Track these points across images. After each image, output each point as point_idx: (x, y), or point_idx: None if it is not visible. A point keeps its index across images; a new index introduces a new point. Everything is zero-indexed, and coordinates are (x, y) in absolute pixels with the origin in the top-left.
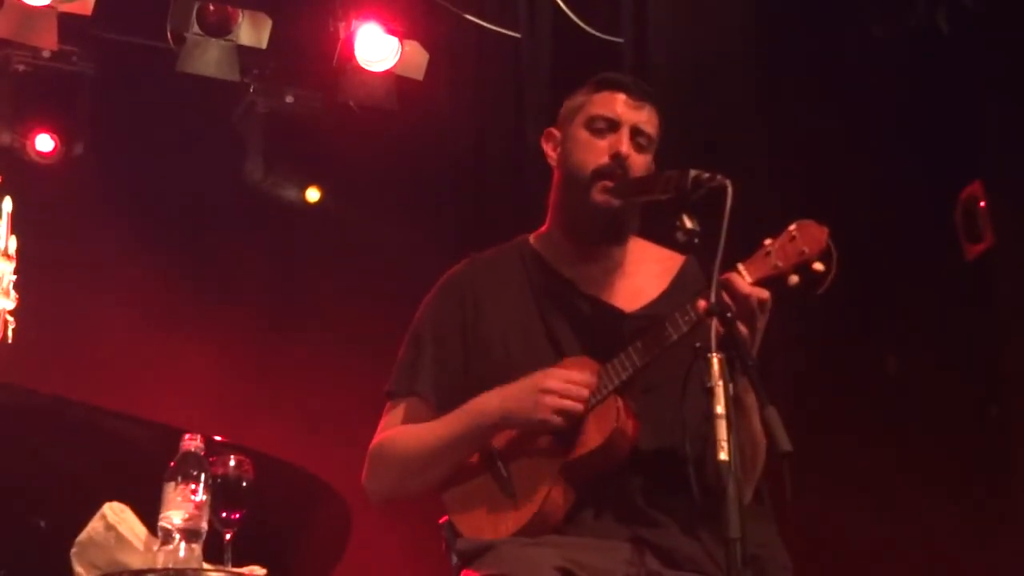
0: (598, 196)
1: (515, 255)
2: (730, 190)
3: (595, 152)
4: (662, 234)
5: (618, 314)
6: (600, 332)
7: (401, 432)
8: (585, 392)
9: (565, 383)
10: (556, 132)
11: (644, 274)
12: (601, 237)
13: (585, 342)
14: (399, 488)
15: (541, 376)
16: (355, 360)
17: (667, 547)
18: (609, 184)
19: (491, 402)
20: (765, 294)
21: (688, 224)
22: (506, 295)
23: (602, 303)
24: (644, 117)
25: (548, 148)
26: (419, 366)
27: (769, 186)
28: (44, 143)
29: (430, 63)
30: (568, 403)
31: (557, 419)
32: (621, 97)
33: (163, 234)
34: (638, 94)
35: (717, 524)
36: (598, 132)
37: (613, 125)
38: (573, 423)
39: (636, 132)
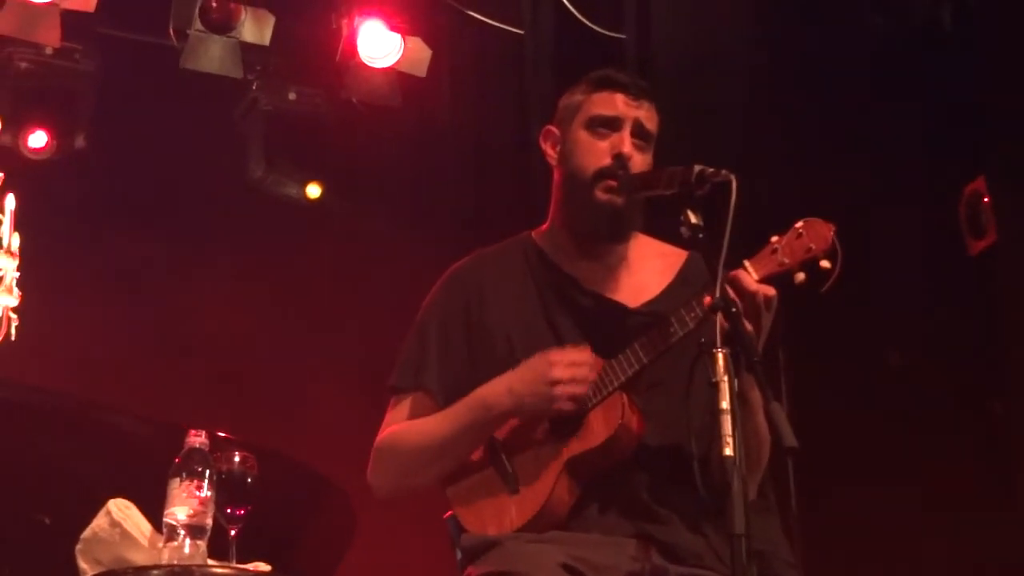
0: (602, 196)
1: (519, 251)
2: (735, 185)
3: (596, 153)
4: (665, 230)
5: (621, 310)
6: (603, 328)
7: (407, 427)
8: (589, 372)
9: (571, 370)
10: (555, 131)
11: (647, 270)
12: (605, 235)
13: (588, 338)
14: (405, 483)
15: (544, 365)
16: (355, 356)
17: (672, 543)
18: (613, 184)
19: (497, 394)
20: (771, 291)
21: (693, 219)
22: (510, 290)
23: (605, 299)
24: (644, 114)
25: (547, 147)
26: (424, 361)
27: (772, 182)
28: (37, 139)
29: (433, 60)
30: (578, 388)
31: (570, 405)
32: (620, 96)
33: (166, 231)
34: (636, 92)
35: (722, 520)
36: (598, 133)
37: (614, 125)
38: (582, 407)
39: (636, 130)
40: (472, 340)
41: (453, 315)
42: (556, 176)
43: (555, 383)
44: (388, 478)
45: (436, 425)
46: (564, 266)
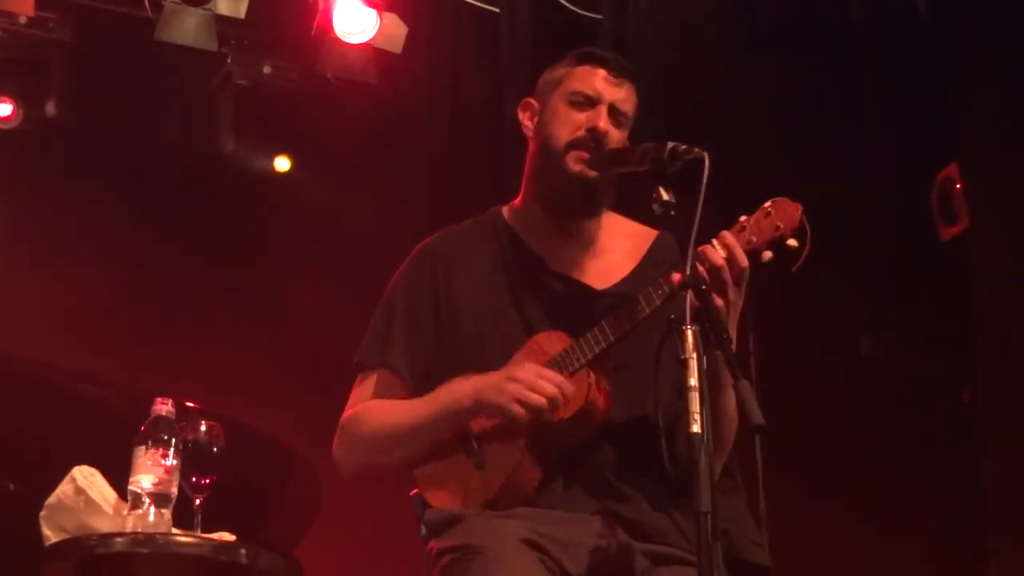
0: (574, 166)
1: (488, 228)
2: (707, 162)
3: (572, 124)
4: (637, 210)
5: (589, 292)
6: (570, 310)
7: (374, 407)
8: (553, 389)
9: (536, 376)
10: (534, 102)
11: (616, 251)
12: (575, 208)
13: (555, 319)
14: (370, 463)
15: (515, 366)
16: (324, 331)
17: (637, 520)
18: (584, 155)
19: (465, 389)
20: (744, 263)
21: (665, 196)
22: (478, 269)
23: (573, 281)
24: (623, 95)
25: (524, 118)
26: (391, 338)
27: (747, 163)
28: (3, 109)
29: (408, 36)
30: (532, 396)
31: (518, 408)
32: (602, 73)
33: (137, 202)
34: (618, 71)
35: (687, 498)
36: (577, 105)
37: (592, 101)
38: (536, 417)
39: (614, 110)
40: (440, 319)
41: (421, 293)
42: (530, 147)
43: (512, 379)
44: (354, 456)
45: (404, 411)
46: (533, 245)
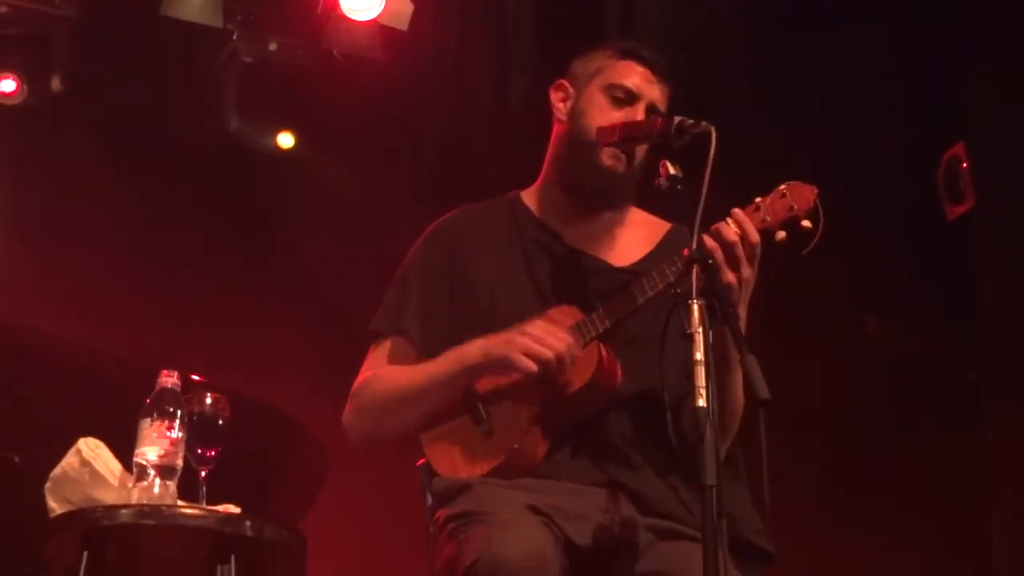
0: (606, 160)
1: (505, 208)
2: (714, 136)
3: (609, 118)
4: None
5: (603, 267)
6: (585, 285)
7: (384, 372)
8: (561, 345)
9: (544, 331)
10: (568, 86)
11: (632, 237)
12: (599, 198)
13: (570, 294)
14: (379, 428)
15: (526, 323)
16: (329, 305)
17: (641, 491)
18: (618, 152)
19: (473, 345)
20: (756, 239)
21: (671, 170)
22: (494, 245)
23: (588, 256)
24: (659, 96)
25: (556, 99)
26: (405, 306)
27: (755, 145)
28: (6, 85)
29: (415, 13)
30: (539, 348)
31: (526, 361)
32: (645, 71)
33: (141, 178)
34: (659, 71)
35: (693, 474)
36: (616, 100)
37: (632, 98)
38: (544, 372)
39: (652, 109)
40: (454, 290)
41: (435, 265)
42: (558, 129)
43: (522, 334)
44: (363, 421)
45: (413, 371)
46: (550, 223)
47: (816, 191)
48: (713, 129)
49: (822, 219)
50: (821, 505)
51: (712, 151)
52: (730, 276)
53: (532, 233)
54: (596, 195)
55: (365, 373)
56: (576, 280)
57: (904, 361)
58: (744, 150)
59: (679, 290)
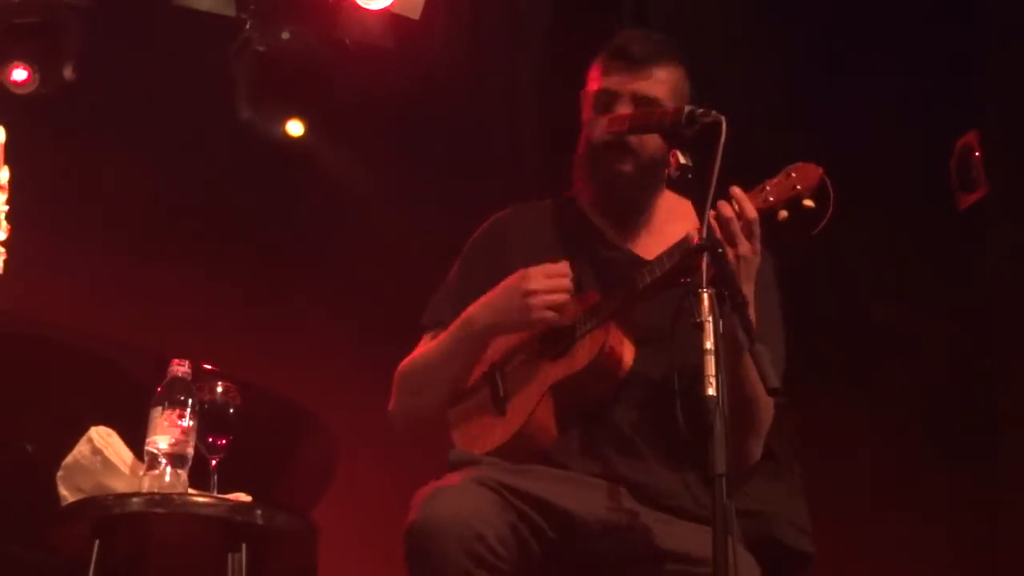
0: (609, 168)
1: (554, 207)
2: (724, 126)
3: (598, 128)
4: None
5: (637, 260)
6: (618, 276)
7: (412, 356)
8: (564, 281)
9: (546, 278)
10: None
11: (673, 232)
12: (622, 200)
13: (604, 285)
14: (410, 408)
15: (520, 279)
16: (341, 293)
17: (647, 484)
18: (619, 155)
19: (478, 309)
20: (751, 214)
21: (681, 160)
22: (537, 241)
23: (625, 251)
24: (644, 84)
25: (583, 109)
26: (445, 300)
27: (767, 133)
28: (18, 73)
29: (427, 2)
30: (556, 297)
31: (550, 314)
32: (622, 64)
33: (153, 167)
34: (640, 59)
35: (703, 464)
36: (601, 107)
37: (612, 97)
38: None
39: (638, 99)
40: (495, 283)
41: (479, 258)
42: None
43: (530, 294)
44: (398, 405)
45: (433, 346)
46: (593, 220)
47: (821, 171)
48: (723, 118)
49: (832, 199)
50: (825, 497)
51: (722, 140)
52: (728, 253)
53: (573, 229)
54: (618, 198)
55: (400, 366)
56: (612, 275)
57: (913, 350)
58: (756, 138)
59: (689, 279)
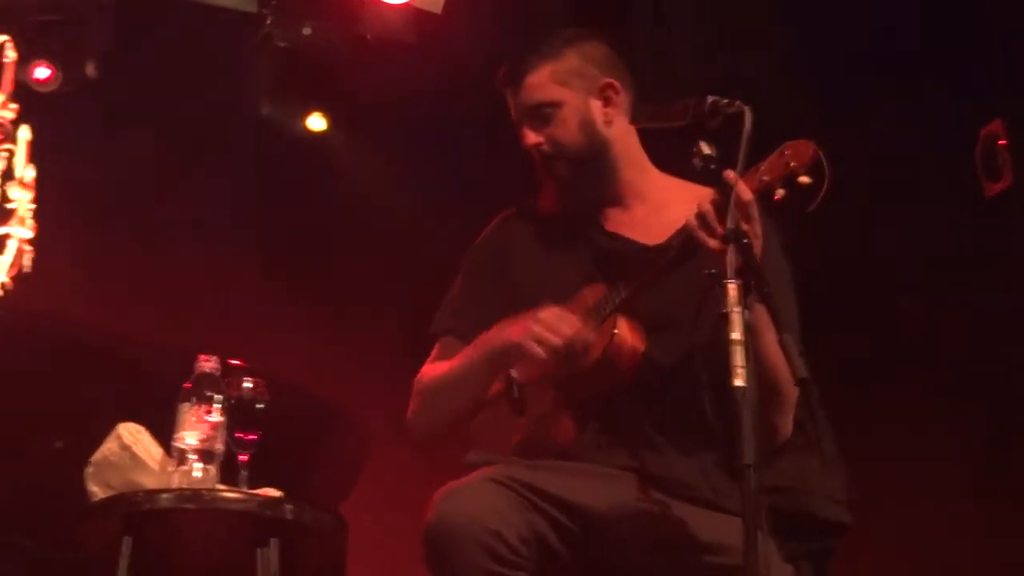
0: (548, 180)
1: (551, 204)
2: (748, 116)
3: (525, 148)
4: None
5: (638, 248)
6: (623, 268)
7: (431, 368)
8: (569, 330)
9: (555, 317)
10: None
11: (675, 216)
12: (587, 195)
13: (610, 279)
14: (431, 421)
15: (540, 308)
16: (364, 290)
17: (667, 476)
18: (549, 167)
19: (497, 332)
20: (745, 196)
21: (706, 150)
22: (542, 236)
23: (625, 239)
24: (523, 95)
25: None
26: (454, 305)
27: (791, 123)
28: (41, 72)
29: None
30: (548, 335)
31: (536, 348)
32: (508, 94)
33: (175, 164)
34: (511, 79)
35: (729, 453)
36: (520, 129)
37: (519, 121)
38: (554, 358)
39: (528, 114)
40: (502, 282)
41: (484, 260)
42: None
43: (534, 321)
44: (416, 418)
45: (451, 365)
46: (594, 211)
47: (814, 145)
48: (747, 108)
49: (827, 173)
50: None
51: (746, 131)
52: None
53: (577, 221)
54: (582, 195)
55: (419, 374)
56: (616, 264)
57: (938, 340)
58: (780, 128)
59: (714, 270)
